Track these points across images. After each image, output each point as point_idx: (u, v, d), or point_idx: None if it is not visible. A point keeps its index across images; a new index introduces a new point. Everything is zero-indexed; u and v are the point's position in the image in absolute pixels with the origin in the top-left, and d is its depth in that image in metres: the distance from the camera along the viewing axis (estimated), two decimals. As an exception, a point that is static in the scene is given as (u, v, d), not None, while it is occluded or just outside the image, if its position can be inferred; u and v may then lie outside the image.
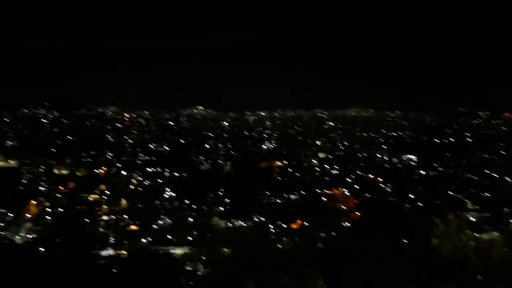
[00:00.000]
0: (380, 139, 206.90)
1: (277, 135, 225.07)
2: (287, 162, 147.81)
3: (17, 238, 75.61)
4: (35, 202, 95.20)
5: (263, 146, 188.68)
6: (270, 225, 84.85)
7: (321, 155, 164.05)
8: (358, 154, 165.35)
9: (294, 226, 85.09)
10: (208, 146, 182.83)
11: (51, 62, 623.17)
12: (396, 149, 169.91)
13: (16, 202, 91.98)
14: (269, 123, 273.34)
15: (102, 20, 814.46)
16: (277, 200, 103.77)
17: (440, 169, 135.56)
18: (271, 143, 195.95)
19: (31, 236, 77.35)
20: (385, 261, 22.73)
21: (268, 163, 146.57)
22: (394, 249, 26.23)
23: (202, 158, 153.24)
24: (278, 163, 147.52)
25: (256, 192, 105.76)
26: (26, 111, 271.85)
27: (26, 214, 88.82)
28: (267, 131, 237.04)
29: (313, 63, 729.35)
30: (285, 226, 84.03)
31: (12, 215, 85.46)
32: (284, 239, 72.09)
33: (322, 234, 73.88)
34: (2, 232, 76.50)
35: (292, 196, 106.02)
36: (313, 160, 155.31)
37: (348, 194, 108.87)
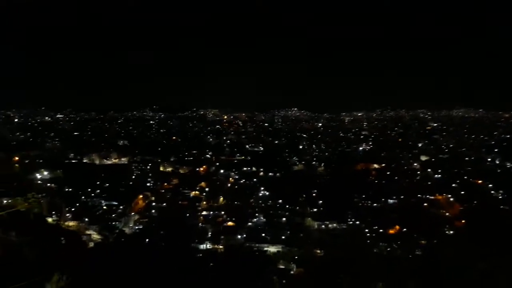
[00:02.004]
0: (492, 142, 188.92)
1: (374, 136, 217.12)
2: (385, 165, 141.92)
3: (126, 228, 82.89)
4: (142, 196, 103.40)
5: (359, 147, 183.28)
6: (365, 229, 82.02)
7: (423, 157, 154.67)
8: (465, 158, 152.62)
9: (391, 231, 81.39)
10: (302, 147, 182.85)
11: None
12: (510, 152, 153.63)
13: (126, 195, 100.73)
14: (366, 123, 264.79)
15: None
16: (374, 204, 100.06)
17: None
18: (368, 145, 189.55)
19: (137, 227, 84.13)
20: (494, 276, 20.64)
21: (365, 165, 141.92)
22: (505, 264, 23.68)
23: (295, 159, 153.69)
24: (376, 165, 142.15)
25: (351, 195, 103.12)
26: (136, 113, 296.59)
27: (134, 207, 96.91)
28: (364, 132, 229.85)
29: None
30: (382, 231, 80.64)
31: (122, 207, 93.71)
32: (381, 244, 69.41)
33: (422, 242, 69.77)
34: (113, 223, 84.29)
35: (390, 201, 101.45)
36: (414, 163, 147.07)
37: (452, 200, 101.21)
